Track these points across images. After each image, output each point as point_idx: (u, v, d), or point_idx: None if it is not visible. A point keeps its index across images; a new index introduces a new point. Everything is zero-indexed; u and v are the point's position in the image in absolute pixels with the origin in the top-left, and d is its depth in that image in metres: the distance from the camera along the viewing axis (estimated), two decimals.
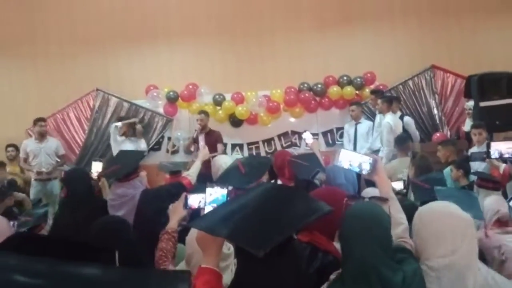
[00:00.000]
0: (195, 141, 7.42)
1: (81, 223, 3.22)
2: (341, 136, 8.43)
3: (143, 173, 3.77)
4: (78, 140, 8.32)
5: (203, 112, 7.60)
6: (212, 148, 6.53)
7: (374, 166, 2.24)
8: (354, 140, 7.83)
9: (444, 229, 1.90)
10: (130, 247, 2.53)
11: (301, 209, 1.73)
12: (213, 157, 4.45)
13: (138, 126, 7.50)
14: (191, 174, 3.70)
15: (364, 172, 2.29)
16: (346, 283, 1.81)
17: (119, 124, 7.31)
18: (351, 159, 2.34)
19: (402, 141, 6.33)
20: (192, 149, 7.51)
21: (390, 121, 7.02)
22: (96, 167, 4.43)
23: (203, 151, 4.07)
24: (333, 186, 2.99)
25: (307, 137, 5.65)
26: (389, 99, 7.44)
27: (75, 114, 8.37)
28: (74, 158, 8.13)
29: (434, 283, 1.83)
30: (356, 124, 7.88)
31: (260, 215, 1.67)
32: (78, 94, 8.37)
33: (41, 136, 7.37)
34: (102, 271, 1.38)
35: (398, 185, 4.17)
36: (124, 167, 3.46)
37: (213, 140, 7.36)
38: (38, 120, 7.37)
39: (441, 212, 1.98)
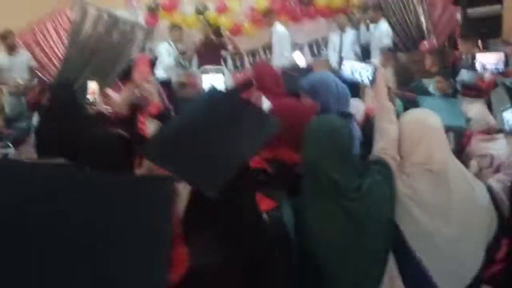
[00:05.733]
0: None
1: (67, 135, 3.19)
2: (327, 46, 8.30)
3: None
4: (58, 53, 8.07)
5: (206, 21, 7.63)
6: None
7: (374, 75, 2.22)
8: (339, 50, 7.72)
9: (416, 138, 1.95)
10: (118, 162, 2.52)
11: (252, 131, 1.66)
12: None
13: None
14: None
15: (366, 82, 2.27)
16: (304, 191, 1.90)
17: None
18: (354, 69, 2.31)
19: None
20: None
21: (388, 27, 7.04)
22: (92, 86, 4.29)
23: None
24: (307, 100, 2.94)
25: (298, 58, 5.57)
26: (380, 6, 7.35)
27: (53, 26, 8.05)
28: (54, 71, 7.94)
29: (414, 189, 1.89)
30: (341, 34, 7.74)
31: (208, 140, 1.59)
32: (56, 5, 7.98)
33: (12, 50, 7.21)
34: (90, 177, 1.40)
35: None
36: None
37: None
38: (7, 33, 7.17)
39: (413, 121, 2.03)
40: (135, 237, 1.22)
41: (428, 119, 2.02)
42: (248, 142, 1.63)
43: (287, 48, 7.48)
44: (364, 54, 7.32)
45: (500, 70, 3.84)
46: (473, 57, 4.04)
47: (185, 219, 1.72)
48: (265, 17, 7.63)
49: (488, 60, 3.90)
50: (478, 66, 3.95)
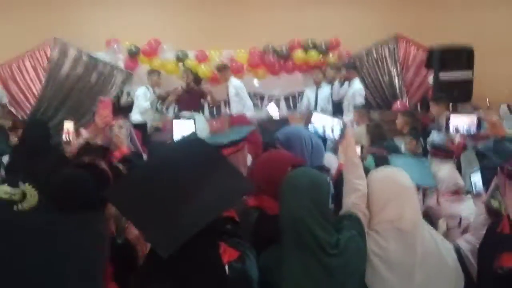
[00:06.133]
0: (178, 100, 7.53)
1: (39, 173, 3.13)
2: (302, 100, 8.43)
3: None
4: (34, 91, 8.02)
5: (188, 69, 7.70)
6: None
7: (343, 130, 2.24)
8: (314, 105, 7.84)
9: (387, 195, 1.97)
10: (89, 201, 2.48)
11: (222, 191, 1.62)
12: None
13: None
14: None
15: (335, 137, 2.28)
16: (284, 244, 1.85)
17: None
18: (323, 123, 2.32)
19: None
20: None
21: (361, 86, 7.21)
22: (68, 126, 4.26)
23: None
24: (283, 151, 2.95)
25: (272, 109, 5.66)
26: (354, 65, 7.57)
27: (31, 63, 8.04)
28: (29, 108, 7.86)
29: (382, 247, 1.89)
30: (317, 89, 7.90)
31: (174, 194, 1.55)
32: (36, 42, 8.01)
33: None
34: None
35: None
36: None
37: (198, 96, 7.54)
38: None
39: (385, 179, 2.05)
40: (68, 271, 1.34)
41: (400, 177, 2.04)
42: (216, 203, 1.59)
43: (247, 98, 7.68)
44: (336, 111, 7.44)
45: (472, 133, 3.94)
46: (447, 119, 4.13)
47: (145, 265, 1.69)
48: (220, 73, 7.67)
49: (461, 123, 4.01)
50: (451, 127, 4.04)
